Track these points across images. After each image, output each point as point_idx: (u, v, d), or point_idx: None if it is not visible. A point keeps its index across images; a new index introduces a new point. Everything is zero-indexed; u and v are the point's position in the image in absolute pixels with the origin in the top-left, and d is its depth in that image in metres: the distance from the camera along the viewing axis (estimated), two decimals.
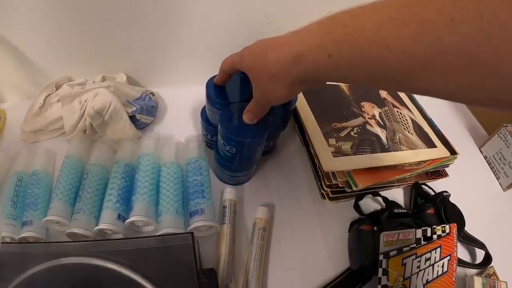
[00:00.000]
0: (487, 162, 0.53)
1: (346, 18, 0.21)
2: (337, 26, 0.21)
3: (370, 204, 0.44)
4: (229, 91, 0.37)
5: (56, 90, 0.47)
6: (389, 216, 0.38)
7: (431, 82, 0.19)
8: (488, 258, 0.41)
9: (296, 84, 0.26)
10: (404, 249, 0.35)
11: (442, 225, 0.37)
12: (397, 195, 0.45)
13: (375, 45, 0.19)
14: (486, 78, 0.16)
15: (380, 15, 0.19)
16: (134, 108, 0.44)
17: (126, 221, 0.35)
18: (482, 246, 0.42)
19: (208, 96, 0.38)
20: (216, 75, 0.39)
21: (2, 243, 0.33)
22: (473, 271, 0.41)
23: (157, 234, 0.35)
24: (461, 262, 0.40)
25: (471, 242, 0.42)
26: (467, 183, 0.47)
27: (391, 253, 0.35)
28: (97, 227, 0.34)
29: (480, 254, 0.42)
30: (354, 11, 0.21)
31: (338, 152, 0.40)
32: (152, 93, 0.49)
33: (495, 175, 0.51)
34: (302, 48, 0.23)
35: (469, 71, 0.16)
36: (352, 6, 0.21)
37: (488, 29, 0.15)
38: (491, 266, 0.41)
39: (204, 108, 0.42)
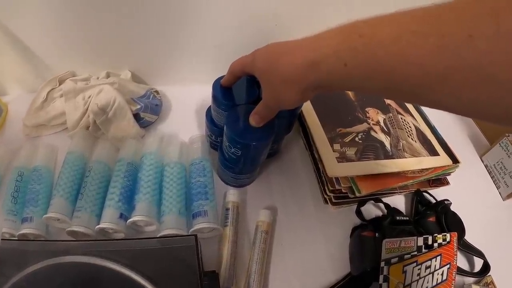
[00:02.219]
0: (487, 171, 0.53)
1: (364, 28, 0.21)
2: (354, 34, 0.21)
3: (371, 210, 0.44)
4: (235, 93, 0.37)
5: (59, 85, 0.47)
6: (391, 223, 0.38)
7: (445, 96, 0.19)
8: (486, 267, 0.41)
9: (308, 90, 0.26)
10: (405, 256, 0.35)
11: (443, 234, 0.37)
12: (398, 201, 0.46)
13: (392, 56, 0.19)
14: (499, 94, 0.16)
15: (399, 27, 0.19)
16: (139, 106, 0.44)
17: (128, 220, 0.35)
18: (480, 254, 0.42)
19: (214, 97, 0.37)
20: (223, 76, 0.39)
21: (2, 239, 0.32)
22: (471, 279, 0.41)
23: (160, 234, 0.35)
24: (459, 271, 0.40)
25: (470, 250, 0.42)
26: (467, 191, 0.48)
27: (393, 260, 0.35)
28: (98, 226, 0.34)
29: (478, 263, 0.42)
30: (372, 21, 0.21)
31: (342, 158, 0.40)
32: (157, 91, 0.49)
33: (495, 184, 0.52)
34: (318, 54, 0.23)
35: (484, 87, 0.17)
36: (370, 16, 0.21)
37: (504, 47, 0.15)
38: (489, 275, 0.41)
39: (209, 109, 0.42)
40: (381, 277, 0.34)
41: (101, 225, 0.34)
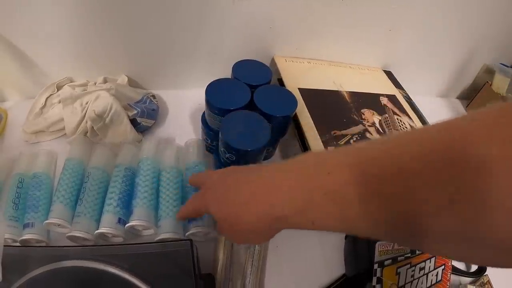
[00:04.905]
0: None
1: (329, 185, 0.20)
2: (318, 192, 0.20)
3: None
4: (228, 97, 0.37)
5: (57, 90, 0.47)
6: None
7: (426, 245, 0.18)
8: (482, 267, 0.41)
9: (278, 231, 0.25)
10: (399, 258, 0.36)
11: None
12: None
13: (360, 222, 0.19)
14: (476, 250, 0.16)
15: (366, 188, 0.18)
16: (135, 112, 0.44)
17: (126, 225, 0.36)
18: None
19: (207, 101, 0.38)
20: (217, 80, 0.39)
21: (4, 246, 0.33)
22: (468, 279, 0.41)
23: (157, 238, 0.35)
24: (456, 270, 0.40)
25: None
26: None
27: (386, 262, 0.35)
28: (97, 231, 0.35)
29: None
30: (337, 172, 0.20)
31: None
32: (153, 96, 0.49)
33: None
34: (283, 213, 0.22)
35: (460, 245, 0.16)
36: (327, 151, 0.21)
37: (489, 215, 0.14)
38: (485, 275, 0.41)
39: (204, 113, 0.42)
40: (374, 279, 0.34)
41: (100, 230, 0.35)
